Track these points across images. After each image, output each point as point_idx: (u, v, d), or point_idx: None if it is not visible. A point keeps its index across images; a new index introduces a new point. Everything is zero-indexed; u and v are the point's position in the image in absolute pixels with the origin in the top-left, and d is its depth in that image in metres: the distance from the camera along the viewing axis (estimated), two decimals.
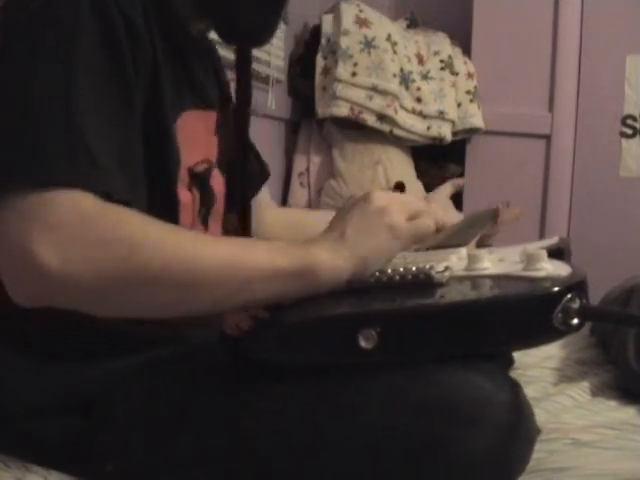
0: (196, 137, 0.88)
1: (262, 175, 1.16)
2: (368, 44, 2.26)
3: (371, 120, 2.26)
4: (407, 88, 2.33)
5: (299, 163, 2.40)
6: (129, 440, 0.78)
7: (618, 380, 1.17)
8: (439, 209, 1.11)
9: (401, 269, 0.72)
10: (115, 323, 0.72)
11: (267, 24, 0.91)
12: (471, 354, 0.69)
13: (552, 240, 0.91)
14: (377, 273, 0.73)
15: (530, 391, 1.10)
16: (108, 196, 0.67)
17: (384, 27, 2.32)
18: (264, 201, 1.17)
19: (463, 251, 0.80)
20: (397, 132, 2.30)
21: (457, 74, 2.42)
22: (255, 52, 2.03)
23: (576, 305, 0.62)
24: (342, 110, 2.24)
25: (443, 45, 2.45)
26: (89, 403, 0.80)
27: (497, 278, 0.70)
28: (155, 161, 0.80)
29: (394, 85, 2.27)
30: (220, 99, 0.99)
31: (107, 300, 0.68)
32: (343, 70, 2.24)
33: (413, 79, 2.34)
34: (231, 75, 1.03)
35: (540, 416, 0.92)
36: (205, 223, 0.93)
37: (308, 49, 2.38)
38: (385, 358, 0.67)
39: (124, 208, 0.68)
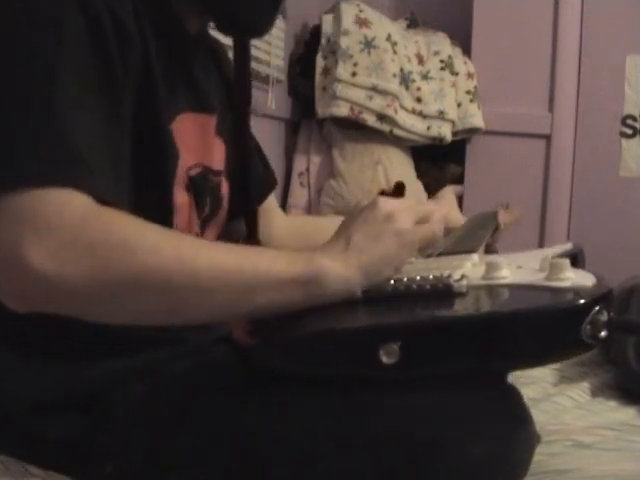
0: (191, 140, 0.87)
1: (269, 182, 1.15)
2: (368, 44, 2.26)
3: (371, 120, 2.26)
4: (407, 88, 2.32)
5: (299, 163, 2.40)
6: (129, 440, 0.78)
7: (618, 380, 1.17)
8: (446, 206, 1.10)
9: (418, 278, 0.69)
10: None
11: (266, 13, 0.89)
12: (496, 368, 0.66)
13: (566, 246, 0.88)
14: (393, 282, 0.70)
15: (530, 392, 1.10)
16: (98, 197, 0.65)
17: (384, 27, 2.32)
18: (271, 209, 1.15)
19: (475, 257, 0.78)
20: (397, 132, 2.30)
21: (457, 74, 2.41)
22: (255, 52, 2.03)
23: (604, 317, 0.60)
24: (342, 110, 2.24)
25: (443, 45, 2.45)
26: (89, 403, 0.79)
27: (519, 288, 0.67)
28: (150, 161, 0.79)
29: (394, 85, 2.27)
30: (224, 101, 0.98)
31: (102, 305, 0.66)
32: (343, 70, 2.24)
33: (413, 79, 2.34)
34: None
35: (540, 417, 0.92)
36: (203, 228, 0.92)
37: (308, 49, 2.38)
38: (405, 373, 0.64)
39: (116, 210, 0.66)
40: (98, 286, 0.63)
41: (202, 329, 0.82)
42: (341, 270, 0.70)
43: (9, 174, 0.64)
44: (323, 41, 2.32)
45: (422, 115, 2.34)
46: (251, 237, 0.99)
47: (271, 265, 0.69)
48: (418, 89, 2.34)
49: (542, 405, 1.07)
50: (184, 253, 0.66)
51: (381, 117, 2.26)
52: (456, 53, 2.46)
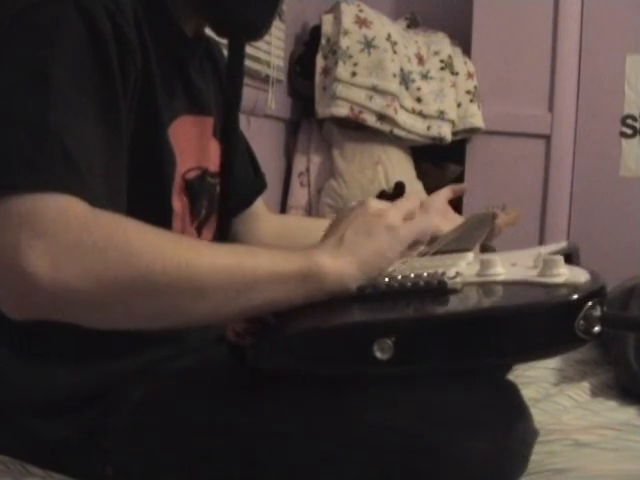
0: (190, 143, 0.87)
1: (258, 185, 1.15)
2: (368, 44, 2.26)
3: (371, 120, 2.26)
4: (407, 88, 2.32)
5: (299, 163, 2.40)
6: (129, 441, 0.78)
7: (618, 380, 1.17)
8: (436, 216, 1.10)
9: (412, 275, 0.69)
10: None
11: (263, 16, 0.89)
12: (490, 364, 0.67)
13: (560, 244, 0.88)
14: (387, 279, 0.70)
15: (530, 392, 1.10)
16: (96, 201, 0.64)
17: (384, 27, 2.32)
18: (259, 212, 1.16)
19: (470, 256, 0.78)
20: (397, 132, 2.30)
21: (457, 74, 2.41)
22: (255, 52, 2.03)
23: (597, 313, 0.60)
24: (342, 110, 2.24)
25: (443, 45, 2.45)
26: (89, 404, 0.79)
27: (513, 284, 0.67)
28: (150, 168, 0.79)
29: (394, 85, 2.27)
30: (220, 102, 0.98)
31: (105, 310, 0.65)
32: (343, 70, 2.24)
33: (413, 79, 2.34)
34: None
35: (540, 417, 0.92)
36: (199, 230, 0.92)
37: (308, 49, 2.38)
38: (399, 369, 0.64)
39: (115, 213, 0.65)
40: (100, 290, 0.62)
41: (201, 329, 0.82)
42: (337, 265, 0.70)
43: (7, 179, 0.63)
44: (323, 41, 2.32)
45: (422, 115, 2.34)
46: (220, 237, 0.97)
47: (270, 262, 0.69)
48: (418, 89, 2.34)
49: (542, 405, 1.07)
50: (185, 253, 0.66)
51: (381, 117, 2.26)
52: (456, 53, 2.46)
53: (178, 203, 0.85)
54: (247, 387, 0.75)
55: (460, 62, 2.44)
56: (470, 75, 2.43)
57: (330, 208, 2.29)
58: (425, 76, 2.38)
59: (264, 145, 2.26)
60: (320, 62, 2.31)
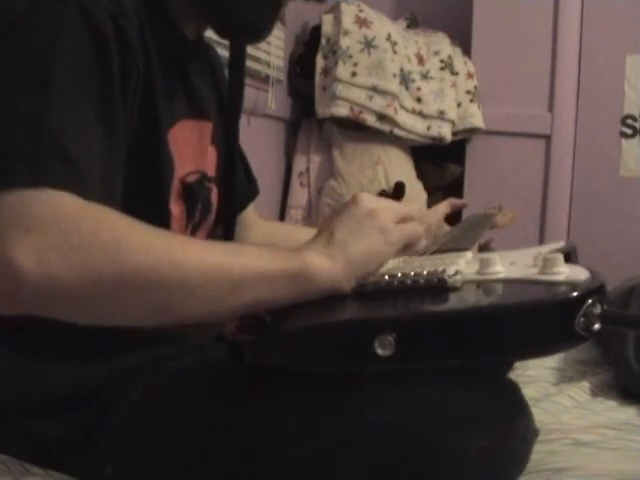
0: (189, 147, 0.87)
1: (250, 192, 1.15)
2: (368, 44, 2.26)
3: (371, 120, 2.26)
4: (407, 88, 2.32)
5: (299, 163, 2.40)
6: (127, 440, 0.78)
7: (618, 380, 1.17)
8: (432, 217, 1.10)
9: (412, 273, 0.69)
10: None
11: (267, 18, 0.89)
12: (490, 362, 0.67)
13: (558, 244, 0.88)
14: (387, 277, 0.71)
15: (530, 391, 1.11)
16: (89, 198, 0.64)
17: (384, 27, 2.32)
18: (250, 219, 1.16)
19: (469, 255, 0.78)
20: (397, 132, 2.30)
21: (457, 74, 2.41)
22: (255, 52, 2.03)
23: (597, 310, 0.60)
24: (342, 110, 2.24)
25: (443, 45, 2.45)
26: (88, 403, 0.79)
27: (513, 282, 0.68)
28: (149, 172, 0.79)
29: (394, 85, 2.27)
30: (217, 108, 0.98)
31: (93, 306, 0.64)
32: (343, 70, 2.24)
33: (413, 79, 2.34)
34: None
35: (540, 416, 0.92)
36: (194, 233, 0.92)
37: (308, 49, 2.38)
38: (400, 366, 0.64)
39: (106, 208, 0.65)
40: (85, 286, 0.62)
41: (200, 328, 0.82)
42: (327, 264, 0.70)
43: (5, 175, 0.63)
44: (323, 41, 2.32)
45: (422, 115, 2.34)
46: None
47: (259, 260, 0.68)
48: (418, 89, 2.34)
49: (542, 404, 1.07)
50: (174, 250, 0.65)
51: (381, 117, 2.26)
52: (456, 53, 2.46)
53: (176, 207, 0.85)
54: (246, 386, 0.75)
55: (460, 62, 2.44)
56: (470, 75, 2.43)
57: (330, 208, 2.29)
58: (425, 76, 2.38)
59: (264, 145, 2.27)
60: (320, 62, 2.31)
